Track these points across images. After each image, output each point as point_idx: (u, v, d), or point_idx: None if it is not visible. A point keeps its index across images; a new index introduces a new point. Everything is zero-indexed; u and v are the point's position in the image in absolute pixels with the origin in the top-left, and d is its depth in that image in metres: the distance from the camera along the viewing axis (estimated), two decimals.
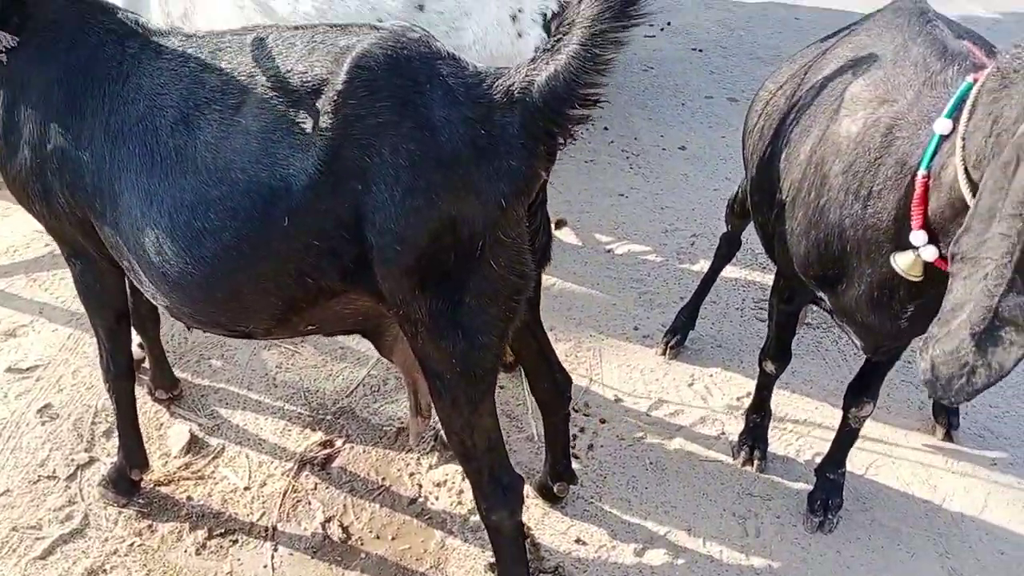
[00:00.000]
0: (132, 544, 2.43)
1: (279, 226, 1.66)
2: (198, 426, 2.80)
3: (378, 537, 2.49)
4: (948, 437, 2.81)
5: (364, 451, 2.74)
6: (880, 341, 2.02)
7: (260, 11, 2.45)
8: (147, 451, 2.57)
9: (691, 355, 3.15)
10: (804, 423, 2.89)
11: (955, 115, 1.61)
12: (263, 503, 2.57)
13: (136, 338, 2.65)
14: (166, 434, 2.76)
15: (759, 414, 2.69)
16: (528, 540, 2.40)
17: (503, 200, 1.63)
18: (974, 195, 1.51)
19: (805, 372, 3.08)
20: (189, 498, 2.58)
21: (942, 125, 1.62)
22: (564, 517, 2.55)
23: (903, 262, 1.71)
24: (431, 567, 2.41)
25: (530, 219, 1.77)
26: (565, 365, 2.42)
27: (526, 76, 1.61)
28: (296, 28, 1.78)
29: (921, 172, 1.65)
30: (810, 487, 2.60)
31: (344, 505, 2.57)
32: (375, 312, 1.86)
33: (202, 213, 1.69)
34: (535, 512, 2.55)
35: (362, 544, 2.47)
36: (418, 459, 2.72)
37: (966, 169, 1.55)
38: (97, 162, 1.84)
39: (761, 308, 3.37)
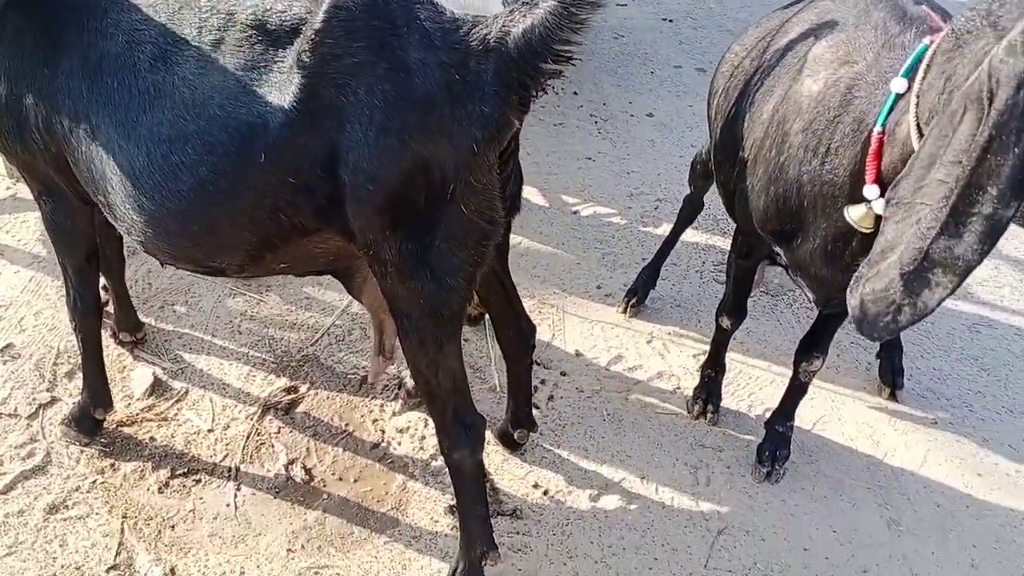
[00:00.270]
0: (94, 482, 2.46)
1: (255, 162, 1.68)
2: (162, 370, 2.81)
3: (340, 479, 2.54)
4: (893, 397, 2.93)
5: (328, 397, 2.78)
6: (832, 293, 2.11)
7: None
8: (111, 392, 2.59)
9: (651, 314, 3.23)
10: (756, 380, 2.99)
11: (911, 74, 1.68)
12: (226, 445, 2.60)
13: (101, 281, 2.65)
14: (129, 376, 2.78)
15: (714, 369, 2.78)
16: (488, 484, 2.47)
17: (475, 145, 1.67)
18: None
19: (760, 333, 3.18)
20: (152, 439, 2.60)
21: (898, 84, 1.70)
22: (523, 463, 2.62)
23: (856, 214, 1.79)
24: (392, 508, 2.47)
25: (502, 167, 1.82)
26: None
27: (503, 27, 1.65)
28: None
29: (876, 128, 1.72)
30: (759, 439, 2.70)
31: (307, 448, 2.62)
32: (346, 252, 1.90)
33: (179, 147, 1.71)
34: (495, 458, 2.62)
35: (324, 486, 2.52)
36: (381, 406, 2.77)
37: (918, 125, 1.63)
38: (74, 96, 1.84)
39: (720, 271, 3.45)
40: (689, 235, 3.42)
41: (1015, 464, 2.77)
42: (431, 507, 2.48)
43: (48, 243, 3.19)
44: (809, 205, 1.93)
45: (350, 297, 3.11)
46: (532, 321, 2.44)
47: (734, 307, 2.57)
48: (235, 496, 2.46)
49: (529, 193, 3.82)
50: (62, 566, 2.24)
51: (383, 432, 2.69)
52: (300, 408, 2.75)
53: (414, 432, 2.70)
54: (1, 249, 3.16)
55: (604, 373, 2.97)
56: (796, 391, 2.58)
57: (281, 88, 1.67)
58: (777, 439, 2.62)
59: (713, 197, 3.30)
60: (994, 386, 3.05)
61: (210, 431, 2.64)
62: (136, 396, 2.72)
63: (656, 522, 2.49)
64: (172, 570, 2.26)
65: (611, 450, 2.70)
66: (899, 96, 1.70)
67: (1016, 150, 1.38)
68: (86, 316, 2.40)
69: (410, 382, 2.76)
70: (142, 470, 2.50)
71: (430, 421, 2.71)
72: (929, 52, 1.65)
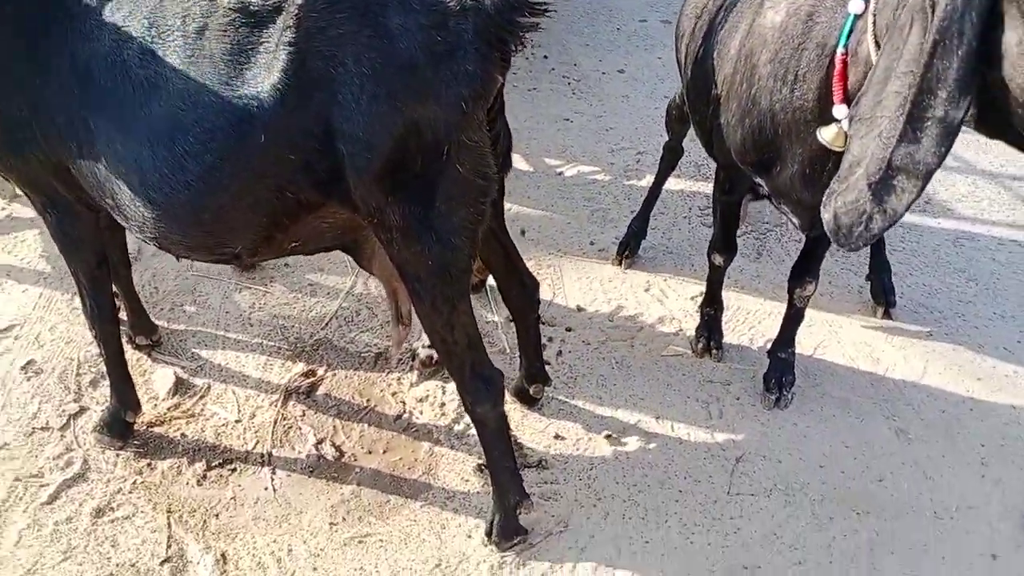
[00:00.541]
0: (134, 482, 2.54)
1: (256, 143, 1.74)
2: (182, 369, 2.89)
3: (370, 452, 2.63)
4: (887, 315, 3.05)
5: (346, 376, 2.87)
6: (815, 215, 2.19)
7: None
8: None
9: (645, 263, 3.32)
10: (755, 314, 3.10)
11: None
12: (256, 433, 2.69)
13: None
14: (151, 379, 2.85)
15: (712, 307, 2.88)
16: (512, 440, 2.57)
17: (464, 103, 1.74)
18: None
19: (752, 269, 3.28)
20: (183, 435, 2.68)
21: (855, 5, 1.78)
22: (542, 417, 2.72)
23: (828, 135, 1.87)
24: (423, 474, 2.57)
25: (491, 124, 1.89)
26: None
27: None
28: None
29: (839, 50, 1.81)
30: (764, 370, 2.81)
31: (333, 427, 2.71)
32: (352, 224, 1.97)
33: (182, 138, 1.77)
34: (515, 415, 2.71)
35: (355, 460, 2.61)
36: (399, 379, 2.86)
37: (877, 42, 1.72)
38: (68, 103, 1.89)
39: (706, 215, 3.55)
40: (673, 183, 3.51)
41: (1012, 365, 2.90)
42: (460, 468, 2.58)
43: (52, 259, 3.25)
44: (784, 132, 2.02)
45: (353, 280, 3.21)
46: (534, 277, 2.52)
47: (724, 244, 2.66)
48: (272, 480, 2.55)
49: (512, 160, 3.89)
50: (117, 565, 2.33)
51: (403, 403, 2.78)
52: (320, 390, 2.83)
53: (433, 400, 2.79)
54: (6, 270, 3.21)
55: (608, 324, 3.07)
56: (793, 318, 2.68)
57: (270, 67, 1.73)
58: (781, 366, 2.73)
59: (692, 144, 3.40)
60: (983, 295, 3.17)
61: (238, 421, 2.72)
62: (161, 396, 2.79)
63: (676, 457, 2.60)
64: (223, 555, 2.35)
65: (624, 395, 2.80)
66: (857, 17, 1.79)
67: (959, 52, 1.47)
68: (104, 322, 2.46)
69: (423, 352, 2.84)
70: (178, 466, 2.58)
71: (447, 388, 2.81)
72: None
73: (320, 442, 2.66)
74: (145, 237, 2.00)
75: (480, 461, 2.56)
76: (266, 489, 2.53)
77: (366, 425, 2.72)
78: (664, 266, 3.31)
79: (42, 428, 2.68)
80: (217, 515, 2.45)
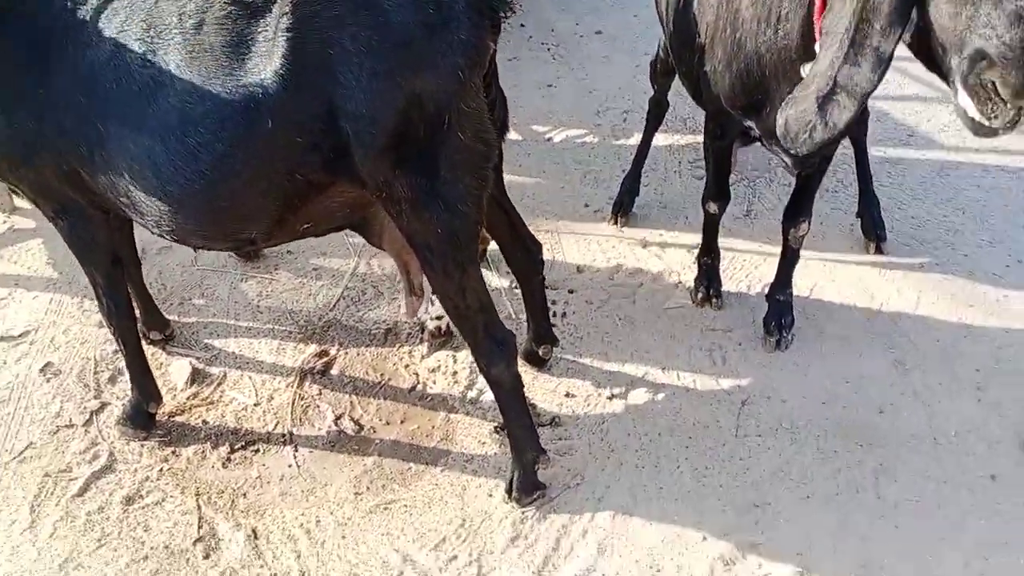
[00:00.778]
0: (161, 470, 2.61)
1: (264, 128, 1.81)
2: (196, 359, 2.95)
3: (388, 423, 2.71)
4: (879, 250, 3.12)
5: (358, 354, 2.94)
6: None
7: None
8: None
9: (640, 220, 3.39)
10: (751, 261, 3.17)
11: None
12: (275, 414, 2.76)
13: None
14: (167, 371, 2.91)
15: (709, 256, 2.95)
16: None
17: (460, 72, 1.81)
18: None
19: (744, 218, 3.35)
20: (204, 422, 2.76)
21: None
22: (552, 377, 2.80)
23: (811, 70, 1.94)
24: (441, 440, 2.65)
25: (487, 91, 1.95)
26: None
27: None
28: None
29: None
30: (764, 314, 2.88)
31: (351, 403, 2.78)
32: (361, 202, 2.04)
33: (193, 130, 1.83)
34: (526, 377, 2.74)
35: (374, 432, 2.69)
36: (410, 352, 2.93)
37: None
38: (76, 109, 1.95)
39: (696, 167, 3.61)
40: (661, 138, 3.56)
41: (1002, 290, 2.98)
42: (476, 432, 2.66)
43: (58, 265, 3.31)
44: (771, 74, 2.09)
45: (356, 261, 3.27)
46: (536, 239, 2.58)
47: (717, 191, 2.73)
48: (294, 457, 2.63)
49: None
50: (151, 548, 2.41)
51: (417, 375, 2.86)
52: (335, 369, 2.90)
53: (445, 369, 2.86)
54: (15, 279, 3.27)
55: (608, 283, 3.13)
56: (789, 259, 2.76)
57: (271, 54, 1.79)
58: (780, 308, 2.81)
59: (677, 98, 3.46)
60: (971, 223, 3.24)
61: (256, 405, 2.79)
62: (179, 387, 2.86)
63: (684, 405, 2.68)
64: (254, 531, 2.43)
65: (629, 350, 2.88)
66: None
67: None
68: (121, 318, 2.53)
69: (432, 324, 2.91)
70: (203, 451, 2.66)
71: (458, 357, 2.89)
72: None
73: (339, 418, 2.73)
74: (162, 231, 2.06)
75: (495, 424, 2.65)
76: (290, 466, 2.61)
77: (382, 398, 2.79)
78: (659, 221, 3.37)
79: (66, 426, 2.75)
80: (244, 494, 2.54)
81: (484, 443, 2.63)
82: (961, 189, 3.37)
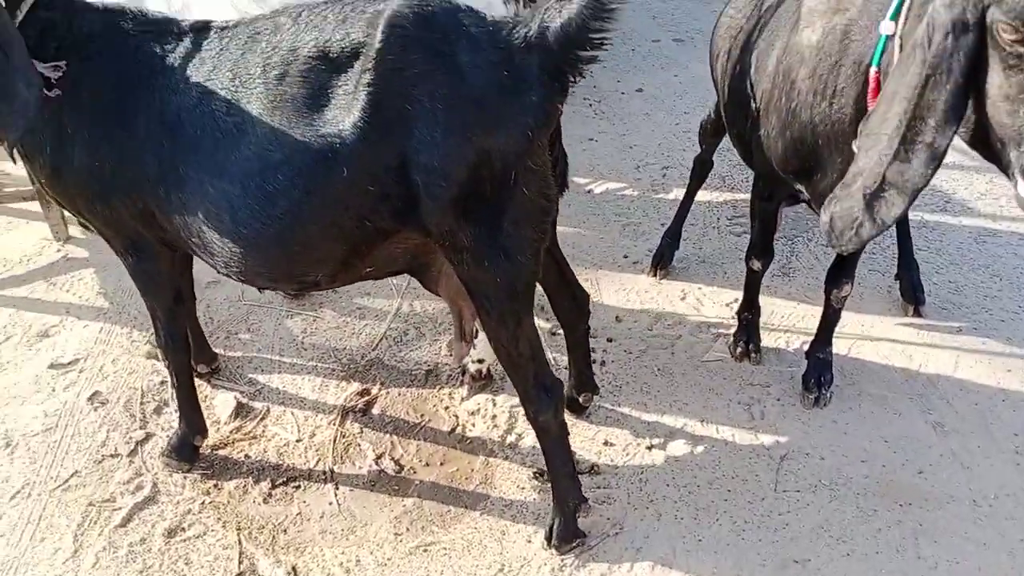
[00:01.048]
0: (203, 503, 2.65)
1: (339, 177, 1.88)
2: (241, 393, 3.00)
3: (427, 465, 2.74)
4: (917, 313, 3.15)
5: (400, 394, 2.98)
6: None
7: (256, 2, 2.63)
8: None
9: (679, 273, 3.44)
10: (789, 317, 3.20)
11: (896, 18, 1.89)
12: (317, 451, 2.80)
13: None
14: (212, 404, 2.96)
15: (750, 311, 2.98)
16: None
17: (530, 132, 1.88)
18: None
19: (783, 275, 3.39)
20: (247, 456, 2.79)
21: (886, 26, 1.91)
22: (590, 425, 2.82)
23: None
24: (480, 484, 2.67)
25: (551, 148, 2.02)
26: None
27: (541, 23, 1.86)
28: (324, 3, 1.99)
29: (873, 69, 1.94)
30: (802, 371, 2.91)
31: (391, 442, 2.82)
32: (423, 249, 2.10)
33: (272, 176, 1.91)
34: None
35: (414, 473, 2.72)
36: (450, 394, 2.97)
37: None
38: (158, 151, 2.03)
39: (736, 223, 3.66)
40: (701, 195, 3.63)
41: None
42: (515, 477, 2.69)
43: (109, 295, 3.39)
44: (824, 143, 2.15)
45: (399, 302, 3.33)
46: (584, 289, 2.64)
47: (762, 249, 2.78)
48: (335, 495, 2.66)
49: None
50: None
51: (456, 417, 2.89)
52: (376, 408, 2.94)
53: (484, 413, 2.90)
54: (65, 307, 3.35)
55: (647, 333, 3.17)
56: (831, 318, 2.79)
57: (350, 107, 1.87)
58: (820, 366, 2.83)
59: (717, 157, 3.53)
60: (1008, 289, 3.27)
61: (298, 441, 2.83)
62: (223, 420, 2.91)
63: (723, 458, 2.70)
64: (293, 568, 2.45)
65: (667, 401, 2.90)
66: (889, 38, 1.91)
67: (947, 87, 1.65)
68: (177, 352, 2.59)
69: (472, 367, 2.96)
70: (244, 485, 2.69)
71: (497, 401, 2.92)
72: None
73: (379, 457, 2.76)
74: (229, 271, 2.13)
75: (534, 470, 2.67)
76: (330, 504, 2.63)
77: (422, 439, 2.82)
78: (698, 275, 3.42)
79: (111, 455, 2.79)
80: (285, 530, 2.56)
81: (523, 488, 2.65)
82: (998, 256, 3.40)
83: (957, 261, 3.40)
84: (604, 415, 2.86)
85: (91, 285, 3.45)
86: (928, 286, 3.22)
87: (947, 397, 2.86)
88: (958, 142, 1.79)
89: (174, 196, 2.05)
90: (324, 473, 2.73)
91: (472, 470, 2.72)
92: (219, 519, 2.60)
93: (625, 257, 3.54)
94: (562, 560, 2.42)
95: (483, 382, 2.97)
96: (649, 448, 2.74)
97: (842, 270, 2.67)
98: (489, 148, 1.87)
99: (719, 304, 3.28)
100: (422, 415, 2.91)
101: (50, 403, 2.95)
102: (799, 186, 2.34)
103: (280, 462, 2.77)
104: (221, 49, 2.04)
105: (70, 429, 2.87)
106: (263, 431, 2.88)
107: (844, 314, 2.91)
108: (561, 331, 2.80)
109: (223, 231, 2.01)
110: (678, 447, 2.74)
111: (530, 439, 2.79)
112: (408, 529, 2.55)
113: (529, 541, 2.49)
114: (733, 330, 3.08)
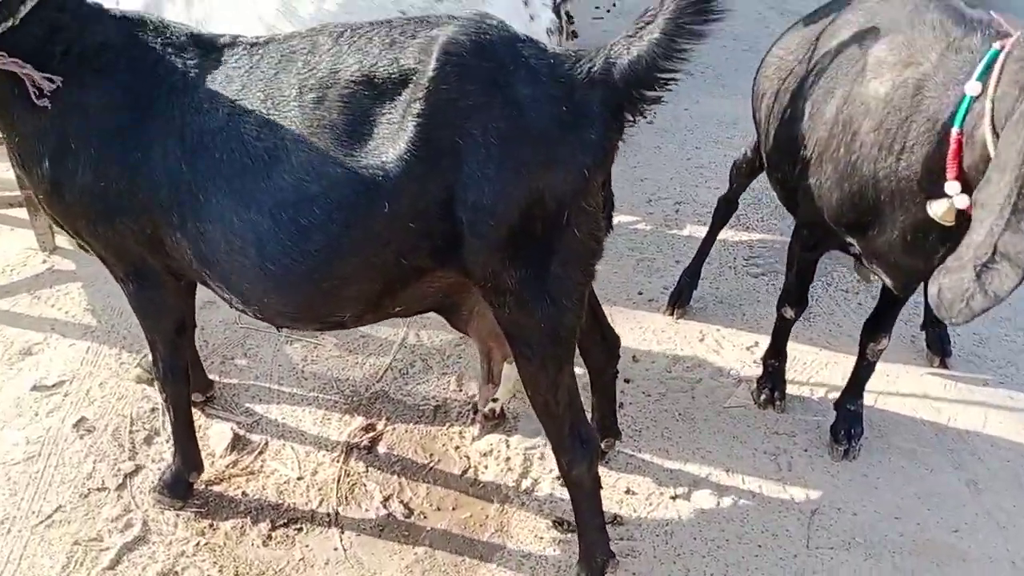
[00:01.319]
0: (198, 544, 2.46)
1: (380, 212, 1.73)
2: (237, 424, 2.82)
3: (439, 510, 2.58)
4: (943, 364, 3.06)
5: (407, 431, 2.82)
6: (911, 278, 2.24)
7: (283, 15, 2.48)
8: None
9: (696, 313, 3.32)
10: (812, 364, 3.10)
11: (984, 79, 1.80)
12: (319, 490, 2.62)
13: None
14: (207, 435, 2.78)
15: (776, 359, 2.87)
16: None
17: (586, 171, 1.76)
18: None
19: (803, 320, 3.28)
20: (244, 493, 2.61)
21: (973, 87, 1.82)
22: (611, 471, 2.68)
23: (939, 209, 1.92)
24: (495, 532, 2.51)
25: (603, 188, 1.90)
26: None
27: (607, 59, 1.74)
28: (368, 24, 1.85)
29: (955, 130, 1.84)
30: (827, 420, 2.80)
31: (399, 484, 2.65)
32: (457, 288, 1.96)
33: (307, 209, 1.75)
34: None
35: (425, 518, 2.55)
36: (460, 432, 2.82)
37: (995, 129, 1.76)
38: (175, 176, 1.87)
39: (752, 264, 3.57)
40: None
41: None
42: (532, 525, 2.53)
43: (97, 312, 3.19)
44: (886, 199, 2.05)
45: (405, 331, 3.17)
46: (615, 332, 2.51)
47: (798, 297, 2.67)
48: (340, 539, 2.48)
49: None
50: None
51: (468, 458, 2.74)
52: (382, 445, 2.78)
53: (498, 455, 2.74)
54: (50, 324, 3.14)
55: (666, 375, 3.05)
56: (864, 371, 2.69)
57: (396, 137, 1.73)
58: (850, 418, 2.73)
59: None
60: None
61: (300, 479, 2.66)
62: (218, 453, 2.72)
63: (751, 511, 2.57)
64: None
65: (690, 448, 2.78)
66: (973, 99, 1.82)
67: None
68: (177, 385, 2.40)
69: (486, 406, 2.80)
70: (242, 526, 2.51)
71: (511, 442, 2.78)
72: (1001, 58, 1.78)
73: (387, 499, 2.60)
74: (247, 308, 1.97)
75: (553, 518, 2.53)
76: (336, 549, 2.46)
77: (432, 482, 2.66)
78: (715, 316, 3.31)
79: (98, 489, 2.60)
80: None
81: (541, 538, 2.50)
82: (1020, 310, 3.34)
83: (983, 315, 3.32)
84: (624, 461, 2.72)
85: (78, 300, 3.25)
86: (952, 338, 3.14)
87: (978, 453, 2.76)
88: None
89: (190, 225, 1.88)
90: (328, 515, 2.55)
91: (486, 517, 2.56)
92: (215, 562, 2.41)
93: (640, 294, 3.42)
94: None
95: (496, 421, 2.82)
96: (673, 498, 2.61)
97: (880, 323, 2.57)
98: (544, 187, 1.75)
99: (739, 347, 3.17)
100: (431, 455, 2.75)
101: (32, 429, 2.74)
102: (850, 239, 2.24)
103: (280, 501, 2.59)
104: (251, 67, 1.88)
105: (54, 458, 2.67)
106: (261, 466, 2.70)
107: None
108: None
109: (247, 265, 1.84)
110: (703, 498, 2.61)
111: (547, 485, 2.64)
112: None
113: None
114: (755, 376, 2.96)
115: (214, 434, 2.79)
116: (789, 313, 2.71)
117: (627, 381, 3.02)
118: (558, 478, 2.63)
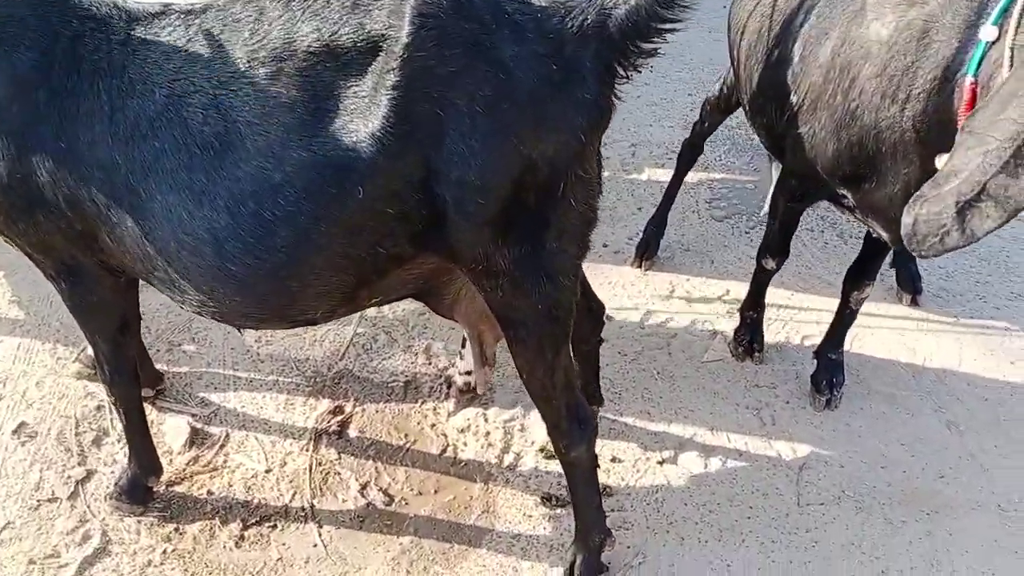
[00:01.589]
0: (165, 551, 2.30)
1: (354, 199, 1.55)
2: (193, 417, 2.64)
3: (420, 494, 2.46)
4: (915, 302, 3.03)
5: (377, 411, 2.68)
6: None
7: None
8: None
9: (663, 263, 3.22)
10: (785, 311, 3.03)
11: (1001, 22, 1.67)
12: (291, 483, 2.47)
13: None
14: (161, 431, 2.59)
15: (755, 310, 2.79)
16: None
17: (582, 135, 1.61)
18: None
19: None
20: (209, 492, 2.45)
21: (988, 32, 1.69)
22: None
23: None
24: (482, 513, 2.41)
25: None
26: None
27: (601, 10, 1.56)
28: None
29: (969, 79, 1.72)
30: (806, 369, 2.76)
31: (376, 469, 2.52)
32: (438, 271, 1.80)
33: (270, 200, 1.56)
34: None
35: (406, 504, 2.43)
36: (435, 409, 2.68)
37: None
38: (106, 168, 1.65)
39: (715, 207, 3.47)
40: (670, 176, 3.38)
41: None
42: (520, 502, 2.44)
43: (24, 304, 2.93)
44: (888, 151, 1.94)
45: None
46: (599, 300, 2.39)
47: (780, 248, 2.57)
48: (319, 535, 2.35)
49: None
50: None
51: (445, 436, 2.61)
52: (352, 428, 2.63)
53: (476, 430, 2.62)
54: None
55: (640, 332, 2.95)
56: (847, 319, 2.63)
57: (368, 113, 1.54)
58: (831, 366, 2.68)
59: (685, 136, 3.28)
60: (996, 274, 3.20)
61: (268, 471, 2.50)
62: (176, 450, 2.54)
63: (739, 471, 2.52)
64: None
65: (672, 408, 2.70)
66: (989, 44, 1.69)
67: None
68: (124, 386, 2.20)
69: (460, 380, 2.67)
70: (211, 528, 2.35)
71: (488, 416, 2.66)
72: (1020, 2, 1.64)
73: (364, 487, 2.46)
74: (204, 310, 1.77)
75: (540, 494, 2.44)
76: (315, 546, 2.33)
77: (410, 464, 2.54)
78: (684, 265, 3.21)
79: (48, 499, 2.40)
80: None
81: (530, 516, 2.41)
82: (983, 240, 3.31)
83: None
84: (607, 427, 2.63)
85: (2, 293, 2.97)
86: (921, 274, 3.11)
87: (956, 393, 2.75)
88: None
89: (131, 223, 1.67)
90: (303, 509, 2.41)
91: (471, 498, 2.45)
92: (186, 570, 2.26)
93: (605, 246, 3.29)
94: None
95: (471, 395, 2.69)
96: (660, 463, 2.54)
97: (864, 271, 2.51)
98: (536, 155, 1.58)
99: (710, 297, 3.08)
100: (406, 435, 2.61)
101: None
102: (844, 192, 2.13)
103: (249, 498, 2.44)
104: (189, 39, 1.65)
105: None
106: (225, 461, 2.53)
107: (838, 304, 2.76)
108: None
109: (202, 266, 1.65)
110: (691, 460, 2.55)
111: (530, 459, 2.54)
112: (408, 572, 2.27)
113: None
114: (730, 327, 2.89)
115: (169, 429, 2.60)
116: (770, 264, 2.62)
117: (601, 341, 2.91)
118: (541, 450, 2.54)
